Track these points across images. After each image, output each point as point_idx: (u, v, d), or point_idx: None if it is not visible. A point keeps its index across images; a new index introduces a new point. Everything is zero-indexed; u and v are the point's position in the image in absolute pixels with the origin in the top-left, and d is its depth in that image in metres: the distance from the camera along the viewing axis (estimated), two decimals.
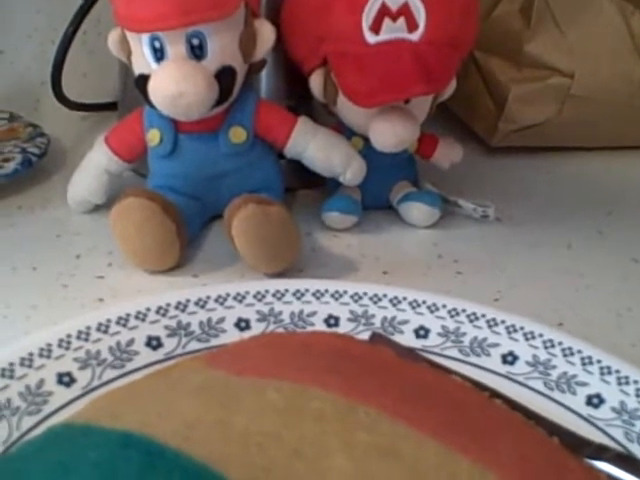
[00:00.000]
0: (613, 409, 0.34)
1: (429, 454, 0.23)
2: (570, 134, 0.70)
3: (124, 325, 0.37)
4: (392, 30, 0.49)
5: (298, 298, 0.40)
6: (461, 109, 0.74)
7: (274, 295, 0.40)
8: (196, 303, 0.39)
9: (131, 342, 0.36)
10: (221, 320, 0.39)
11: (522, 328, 0.38)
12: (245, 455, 0.22)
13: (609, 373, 0.36)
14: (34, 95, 0.77)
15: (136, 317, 0.38)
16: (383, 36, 0.49)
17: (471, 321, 0.39)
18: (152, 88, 0.46)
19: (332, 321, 0.39)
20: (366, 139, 0.53)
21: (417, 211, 0.54)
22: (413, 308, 0.40)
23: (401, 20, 0.49)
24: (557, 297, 0.47)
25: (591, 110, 0.67)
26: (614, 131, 0.71)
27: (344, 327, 0.39)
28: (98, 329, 0.36)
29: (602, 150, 0.72)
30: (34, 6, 0.77)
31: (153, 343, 0.37)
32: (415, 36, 0.49)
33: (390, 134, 0.50)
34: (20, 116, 0.68)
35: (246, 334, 0.38)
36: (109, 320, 0.37)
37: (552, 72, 0.66)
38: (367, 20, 0.49)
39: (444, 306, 0.40)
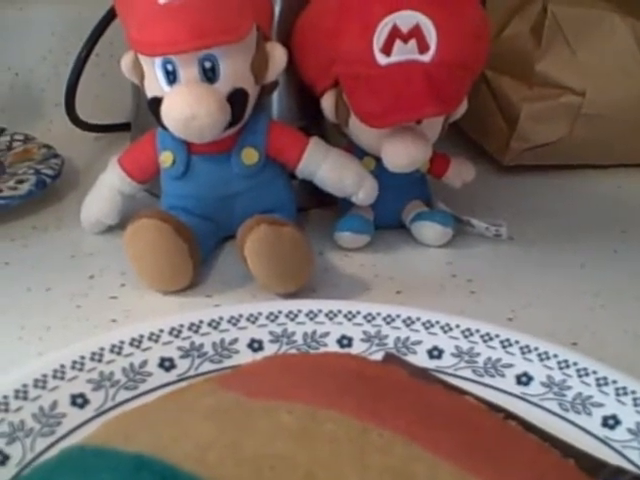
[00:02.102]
0: (629, 430, 0.34)
1: (443, 476, 0.23)
2: (582, 152, 0.70)
3: (137, 346, 0.37)
4: (403, 52, 0.49)
5: (311, 319, 0.40)
6: (473, 128, 0.74)
7: (287, 316, 0.40)
8: (209, 324, 0.39)
9: (144, 363, 0.37)
10: (234, 341, 0.39)
11: (536, 348, 0.38)
12: (258, 478, 0.22)
13: (625, 394, 0.35)
14: (48, 116, 0.78)
15: (149, 338, 0.38)
16: (394, 57, 0.49)
17: (485, 341, 0.39)
18: (165, 111, 0.46)
19: (345, 342, 0.39)
20: (378, 159, 0.53)
21: (430, 230, 0.54)
22: (426, 328, 0.40)
23: (412, 42, 0.49)
24: (571, 317, 0.47)
25: (603, 128, 0.67)
26: (626, 149, 0.71)
27: (357, 348, 0.39)
28: (111, 350, 0.36)
29: (615, 168, 0.72)
30: (48, 29, 0.78)
31: (166, 364, 0.37)
32: (426, 57, 0.49)
33: (402, 154, 0.50)
34: (34, 137, 0.69)
35: (259, 355, 0.38)
36: (122, 341, 0.37)
37: (563, 91, 0.66)
38: (378, 42, 0.49)
39: (457, 326, 0.40)
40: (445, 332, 0.40)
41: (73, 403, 0.34)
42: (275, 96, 0.56)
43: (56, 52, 0.78)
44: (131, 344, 0.37)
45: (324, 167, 0.51)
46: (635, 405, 0.35)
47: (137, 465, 0.23)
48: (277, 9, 0.54)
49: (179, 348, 0.38)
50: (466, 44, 0.51)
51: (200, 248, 0.48)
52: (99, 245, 0.54)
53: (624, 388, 0.35)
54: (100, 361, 0.36)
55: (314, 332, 0.40)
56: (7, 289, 0.48)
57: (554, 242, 0.57)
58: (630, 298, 0.49)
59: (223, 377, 0.31)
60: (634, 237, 0.59)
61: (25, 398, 0.33)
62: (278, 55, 0.49)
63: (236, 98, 0.47)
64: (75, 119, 0.72)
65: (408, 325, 0.40)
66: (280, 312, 0.40)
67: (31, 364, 0.35)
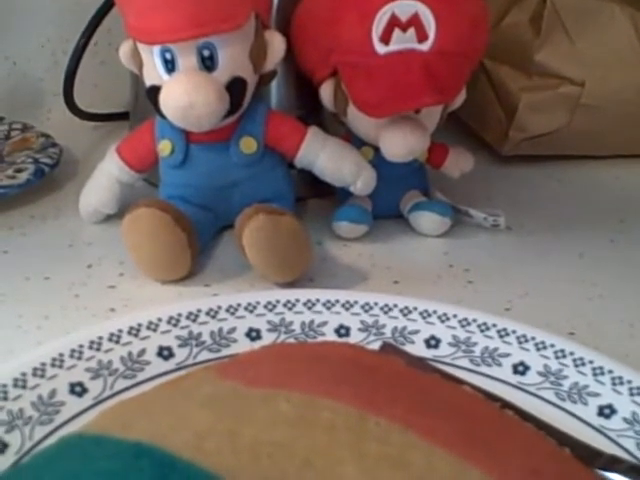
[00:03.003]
0: (625, 420, 0.34)
1: (440, 465, 0.23)
2: (581, 143, 0.70)
3: (136, 335, 0.37)
4: (402, 40, 0.49)
5: (309, 308, 0.40)
6: (471, 118, 0.74)
7: (285, 305, 0.40)
8: (207, 313, 0.39)
9: (142, 352, 0.37)
10: (232, 330, 0.39)
11: (533, 338, 0.38)
12: (256, 466, 0.22)
13: (621, 383, 0.35)
14: (46, 105, 0.78)
15: (148, 327, 0.38)
16: (393, 46, 0.49)
17: (482, 331, 0.39)
18: (163, 99, 0.46)
19: (343, 331, 0.40)
20: (376, 149, 0.53)
21: (428, 220, 0.54)
22: (424, 318, 0.40)
23: (411, 30, 0.49)
24: (569, 306, 0.47)
25: (601, 119, 0.67)
26: (625, 140, 0.71)
27: (355, 337, 0.39)
28: (110, 339, 0.37)
29: (613, 158, 0.72)
30: (47, 17, 0.77)
31: (164, 353, 0.37)
32: (425, 46, 0.49)
33: (401, 144, 0.50)
34: (33, 126, 0.69)
35: (257, 344, 0.38)
36: (121, 330, 0.37)
37: (562, 81, 0.66)
38: (377, 31, 0.49)
39: (455, 316, 0.40)
40: (442, 322, 0.40)
41: (72, 391, 0.34)
42: (273, 85, 0.56)
43: (54, 41, 0.78)
44: (129, 333, 0.37)
45: (322, 157, 0.51)
46: (631, 395, 0.35)
47: (136, 453, 0.23)
48: None
49: (177, 337, 0.38)
50: (465, 33, 0.51)
51: (198, 237, 0.48)
52: (97, 234, 0.54)
53: (620, 378, 0.36)
54: (99, 350, 0.36)
55: (312, 321, 0.40)
56: (5, 278, 0.48)
57: (552, 232, 0.57)
58: (628, 288, 0.49)
59: (221, 366, 0.31)
60: (632, 227, 0.59)
61: (24, 387, 0.33)
62: (277, 44, 0.49)
63: (235, 87, 0.47)
64: (73, 108, 0.72)
65: (405, 315, 0.40)
66: (278, 301, 0.40)
67: (30, 353, 0.35)
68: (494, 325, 0.39)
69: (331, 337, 0.39)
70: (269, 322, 0.39)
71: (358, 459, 0.23)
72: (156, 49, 0.46)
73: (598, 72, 0.65)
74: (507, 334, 0.39)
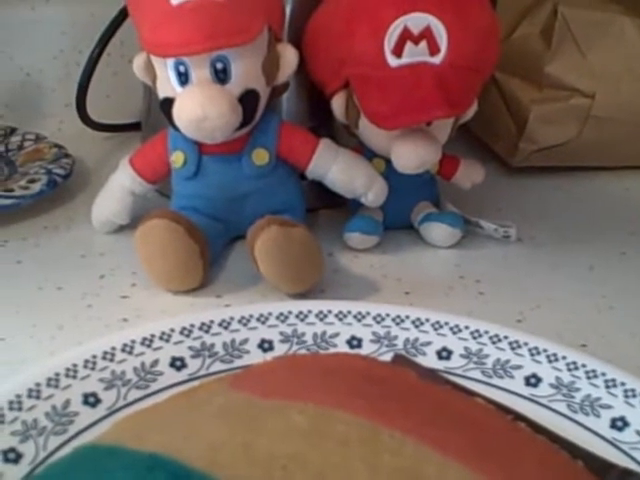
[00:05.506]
0: (638, 432, 0.34)
1: (453, 477, 0.23)
2: (591, 154, 0.70)
3: (148, 346, 0.37)
4: (414, 53, 0.49)
5: (321, 319, 0.40)
6: (482, 129, 0.74)
7: (297, 316, 0.40)
8: (220, 324, 0.39)
9: (155, 363, 0.37)
10: (244, 341, 0.39)
11: (545, 350, 0.38)
12: (270, 478, 0.22)
13: (633, 396, 0.35)
14: (59, 116, 0.78)
15: (160, 338, 0.38)
16: (405, 59, 0.50)
17: (494, 343, 0.39)
18: (177, 112, 0.46)
19: (355, 342, 0.40)
20: (388, 160, 0.53)
21: (438, 231, 0.54)
22: (435, 329, 0.40)
23: (423, 44, 0.49)
24: (580, 318, 0.47)
25: (612, 130, 0.67)
26: (635, 151, 0.71)
27: (367, 348, 0.39)
28: (123, 350, 0.37)
29: (624, 170, 0.72)
30: (59, 28, 0.78)
31: (177, 364, 0.37)
32: (437, 59, 0.50)
33: (412, 156, 0.50)
34: (45, 137, 0.69)
35: (269, 355, 0.38)
36: (134, 341, 0.37)
37: (573, 93, 0.66)
38: (389, 44, 0.49)
39: (467, 327, 0.40)
40: (454, 333, 0.40)
41: (85, 402, 0.34)
42: (285, 96, 0.56)
43: (67, 52, 0.78)
44: (142, 343, 0.37)
45: (334, 168, 0.52)
46: None
47: (150, 464, 0.23)
48: (288, 10, 0.54)
49: (190, 348, 0.38)
50: (476, 46, 0.51)
51: (210, 248, 0.48)
52: (110, 245, 0.54)
53: (633, 390, 0.35)
54: (112, 360, 0.36)
55: (324, 333, 0.40)
56: (19, 288, 0.48)
57: (563, 244, 0.57)
58: (639, 300, 0.49)
59: (234, 377, 0.31)
60: None
61: (38, 397, 0.33)
62: (289, 56, 0.50)
63: (247, 99, 0.47)
64: (86, 119, 0.73)
65: (417, 326, 0.40)
66: (290, 312, 0.41)
67: (44, 363, 0.36)
68: (506, 337, 0.39)
69: (343, 348, 0.39)
70: (281, 333, 0.40)
71: (372, 471, 0.23)
72: (170, 62, 0.47)
73: (609, 84, 0.66)
74: (519, 346, 0.39)
